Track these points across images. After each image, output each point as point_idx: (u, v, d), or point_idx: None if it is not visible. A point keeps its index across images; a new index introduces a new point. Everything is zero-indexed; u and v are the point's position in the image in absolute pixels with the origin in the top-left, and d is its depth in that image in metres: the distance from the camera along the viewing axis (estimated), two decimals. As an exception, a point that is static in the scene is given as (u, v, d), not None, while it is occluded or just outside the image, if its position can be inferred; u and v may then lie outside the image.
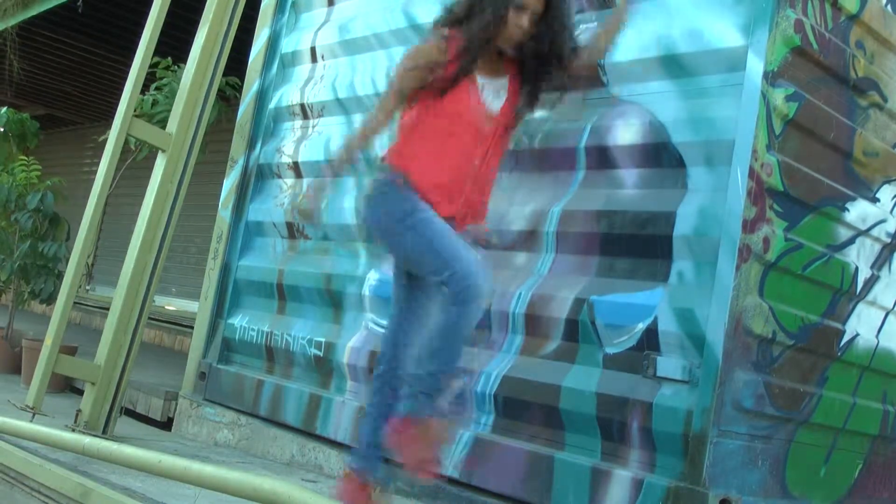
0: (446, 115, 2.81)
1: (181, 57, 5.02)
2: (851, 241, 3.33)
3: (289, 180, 4.68)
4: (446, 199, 2.80)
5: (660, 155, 3.14)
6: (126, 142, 4.97)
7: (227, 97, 5.82)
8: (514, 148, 3.32)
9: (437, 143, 2.83)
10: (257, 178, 4.84)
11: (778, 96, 2.91)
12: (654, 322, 3.00)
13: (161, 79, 5.86)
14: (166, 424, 4.98)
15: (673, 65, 3.14)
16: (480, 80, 2.83)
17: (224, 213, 4.91)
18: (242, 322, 4.66)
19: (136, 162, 6.06)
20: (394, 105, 2.88)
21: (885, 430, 3.61)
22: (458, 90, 2.80)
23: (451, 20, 2.85)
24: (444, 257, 2.68)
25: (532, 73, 2.87)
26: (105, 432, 4.27)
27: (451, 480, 3.40)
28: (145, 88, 5.60)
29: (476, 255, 2.74)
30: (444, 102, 2.80)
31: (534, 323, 3.33)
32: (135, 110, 5.50)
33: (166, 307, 8.91)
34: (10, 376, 6.18)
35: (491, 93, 2.84)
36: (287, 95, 4.77)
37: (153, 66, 5.69)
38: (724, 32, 3.02)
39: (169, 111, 4.94)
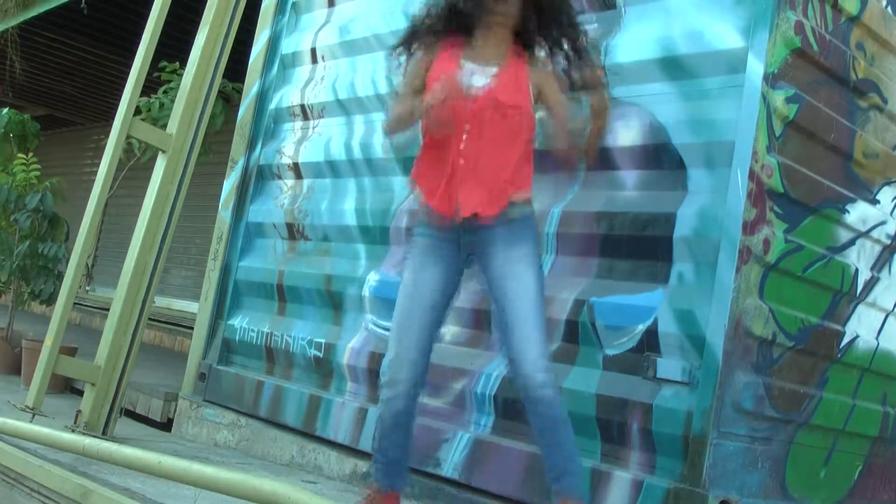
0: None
1: (182, 58, 5.03)
2: (851, 242, 3.34)
3: (289, 181, 4.68)
4: (430, 191, 2.76)
5: (660, 156, 3.14)
6: (129, 144, 4.98)
7: (229, 98, 5.82)
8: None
9: (425, 138, 2.82)
10: (257, 179, 4.84)
11: (778, 98, 2.91)
12: (654, 323, 3.00)
13: (168, 82, 5.87)
14: (166, 425, 4.98)
15: (673, 66, 3.14)
16: (464, 62, 2.78)
17: (224, 214, 4.91)
18: (242, 323, 4.66)
19: (137, 163, 6.06)
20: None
21: (885, 432, 3.61)
22: (434, 74, 2.78)
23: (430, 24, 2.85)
24: (393, 329, 2.78)
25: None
26: (105, 433, 4.27)
27: (451, 482, 3.40)
28: (150, 91, 5.61)
29: (408, 345, 2.73)
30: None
31: (534, 324, 3.33)
32: (142, 115, 5.53)
33: (168, 308, 8.90)
34: (10, 377, 6.18)
35: (472, 72, 2.75)
36: (287, 96, 4.77)
37: (159, 69, 5.71)
38: (725, 34, 3.02)
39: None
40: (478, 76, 2.75)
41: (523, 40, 2.82)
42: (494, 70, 2.76)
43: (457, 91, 2.65)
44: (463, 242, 2.76)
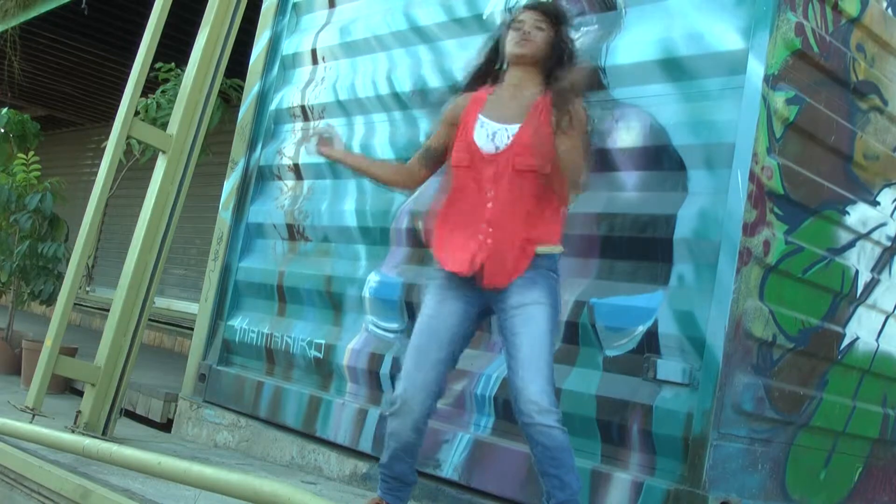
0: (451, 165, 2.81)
1: (182, 59, 5.03)
2: (852, 244, 3.34)
3: (289, 182, 4.68)
4: (446, 253, 2.75)
5: (660, 158, 3.14)
6: (128, 145, 4.98)
7: (229, 98, 5.82)
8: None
9: (444, 197, 2.82)
10: (258, 180, 4.84)
11: (778, 99, 2.91)
12: (655, 325, 3.00)
13: (165, 82, 5.86)
14: (166, 426, 4.98)
15: (673, 68, 3.14)
16: (483, 117, 2.77)
17: (224, 215, 4.91)
18: (242, 324, 4.66)
19: (137, 164, 6.06)
20: (418, 161, 2.92)
21: (885, 434, 3.61)
22: (458, 134, 2.79)
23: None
24: (408, 360, 2.73)
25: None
26: (105, 434, 4.27)
27: (451, 483, 3.40)
28: (149, 92, 5.60)
29: (420, 382, 2.68)
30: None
31: (534, 325, 3.32)
32: (140, 115, 5.53)
33: (168, 308, 8.90)
34: (10, 377, 6.18)
35: (493, 132, 2.73)
36: (288, 97, 4.77)
37: (156, 69, 5.70)
38: (725, 35, 3.02)
39: (173, 115, 4.93)
40: (500, 135, 2.72)
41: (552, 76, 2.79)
42: (516, 128, 2.71)
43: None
44: (485, 289, 2.73)
